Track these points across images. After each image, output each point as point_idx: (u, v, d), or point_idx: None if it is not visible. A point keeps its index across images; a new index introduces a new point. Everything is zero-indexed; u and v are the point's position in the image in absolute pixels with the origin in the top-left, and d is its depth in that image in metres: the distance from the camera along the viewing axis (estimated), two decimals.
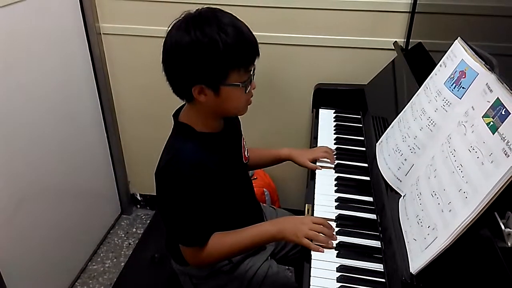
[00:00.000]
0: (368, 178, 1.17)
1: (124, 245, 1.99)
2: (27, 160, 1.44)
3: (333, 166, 1.24)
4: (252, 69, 0.94)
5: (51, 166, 1.57)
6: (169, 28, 0.91)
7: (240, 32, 0.89)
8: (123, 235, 2.05)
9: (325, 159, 1.25)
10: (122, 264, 1.86)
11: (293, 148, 1.29)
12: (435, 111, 0.94)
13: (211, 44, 0.86)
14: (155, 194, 1.00)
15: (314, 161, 1.25)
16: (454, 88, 0.89)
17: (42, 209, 1.53)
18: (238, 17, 0.93)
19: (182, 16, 0.91)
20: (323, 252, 0.95)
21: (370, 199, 1.10)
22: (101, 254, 1.94)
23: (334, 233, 0.99)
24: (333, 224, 1.02)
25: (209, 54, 0.87)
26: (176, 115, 1.02)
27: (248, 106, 1.00)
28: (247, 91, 0.95)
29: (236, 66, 0.90)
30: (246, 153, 1.14)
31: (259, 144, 1.40)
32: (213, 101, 0.93)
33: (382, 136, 1.15)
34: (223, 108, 0.96)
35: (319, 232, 0.97)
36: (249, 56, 0.92)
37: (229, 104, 0.95)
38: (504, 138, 0.67)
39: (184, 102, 1.00)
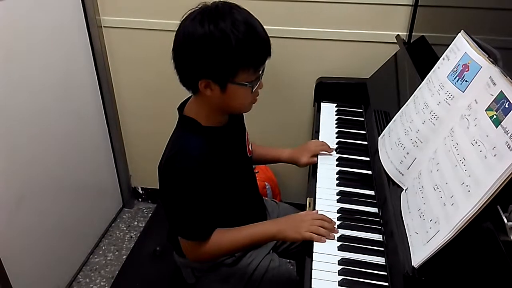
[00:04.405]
0: (370, 172, 1.17)
1: (126, 238, 2.00)
2: (28, 154, 1.44)
3: (332, 154, 1.26)
4: (262, 69, 0.93)
5: (53, 160, 1.57)
6: (184, 18, 0.90)
7: (254, 31, 0.88)
8: (124, 229, 2.05)
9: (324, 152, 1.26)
10: (124, 257, 1.87)
11: (292, 150, 1.28)
12: (437, 104, 0.93)
13: (224, 39, 0.85)
14: (156, 187, 1.00)
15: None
16: (457, 82, 0.89)
17: (44, 203, 1.54)
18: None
19: (199, 7, 0.90)
20: (325, 242, 0.95)
21: (372, 192, 1.10)
22: (103, 247, 1.94)
23: (336, 226, 1.00)
24: (335, 217, 1.02)
25: (220, 49, 0.86)
26: (181, 108, 1.02)
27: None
28: (253, 91, 0.94)
29: (246, 65, 0.89)
30: (250, 147, 1.14)
31: (260, 138, 1.40)
32: (218, 97, 0.92)
33: (384, 130, 1.14)
34: (227, 105, 0.95)
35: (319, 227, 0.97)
36: (261, 56, 0.91)
37: (234, 101, 0.95)
38: (507, 131, 0.67)
39: (190, 95, 1.00)
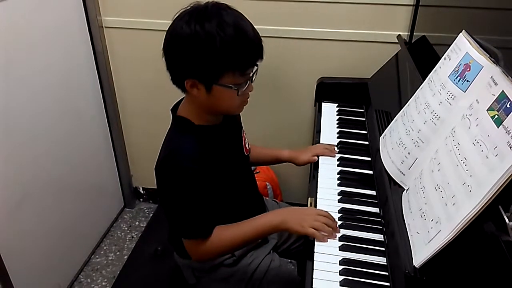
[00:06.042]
0: (371, 172, 1.17)
1: (127, 238, 2.00)
2: (29, 154, 1.44)
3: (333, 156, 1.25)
4: (251, 72, 0.92)
5: (54, 160, 1.57)
6: (175, 17, 0.90)
7: (242, 34, 0.87)
8: (126, 229, 2.05)
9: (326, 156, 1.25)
10: (125, 257, 1.87)
11: (293, 150, 1.28)
12: (439, 104, 0.93)
13: (208, 40, 0.84)
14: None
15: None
16: (458, 81, 0.89)
17: (45, 203, 1.54)
18: (240, 10, 0.91)
19: (190, 6, 0.90)
20: (327, 241, 0.95)
21: (373, 192, 1.10)
22: (104, 247, 1.95)
23: (338, 225, 0.99)
24: (336, 217, 1.02)
25: (204, 50, 0.85)
26: (174, 109, 1.02)
27: (250, 100, 0.99)
28: (239, 94, 0.92)
29: (232, 67, 0.88)
30: (247, 146, 1.14)
31: (261, 138, 1.40)
32: (205, 97, 0.92)
33: (386, 130, 1.14)
34: (214, 105, 0.95)
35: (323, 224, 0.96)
36: (248, 59, 0.90)
37: (220, 102, 0.94)
38: (509, 131, 0.67)
39: (183, 96, 1.00)
